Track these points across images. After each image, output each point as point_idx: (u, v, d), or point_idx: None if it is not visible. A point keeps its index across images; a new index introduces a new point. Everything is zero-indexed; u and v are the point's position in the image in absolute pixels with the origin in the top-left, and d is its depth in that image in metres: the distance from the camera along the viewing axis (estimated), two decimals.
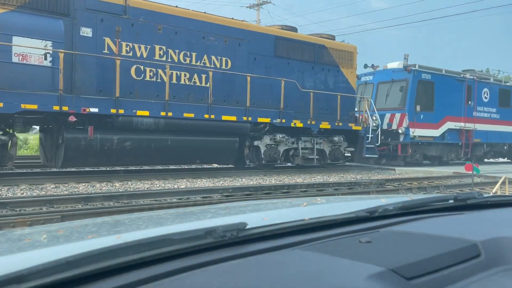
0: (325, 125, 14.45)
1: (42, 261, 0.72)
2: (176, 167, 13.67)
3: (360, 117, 15.99)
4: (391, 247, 0.99)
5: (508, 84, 22.00)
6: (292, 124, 13.72)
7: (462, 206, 1.46)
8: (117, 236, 1.01)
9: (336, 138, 15.00)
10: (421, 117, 17.29)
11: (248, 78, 12.67)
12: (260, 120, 13.14)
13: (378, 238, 1.07)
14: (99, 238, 1.11)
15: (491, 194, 3.15)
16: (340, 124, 14.90)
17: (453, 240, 1.05)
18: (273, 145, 13.74)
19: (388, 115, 17.38)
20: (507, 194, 9.03)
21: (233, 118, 12.43)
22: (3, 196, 7.89)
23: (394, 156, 17.56)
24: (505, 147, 21.64)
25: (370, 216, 1.25)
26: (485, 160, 21.17)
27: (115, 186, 9.83)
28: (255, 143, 13.47)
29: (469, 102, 19.20)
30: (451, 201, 1.46)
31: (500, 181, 9.39)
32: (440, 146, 18.48)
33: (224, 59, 12.60)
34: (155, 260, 0.82)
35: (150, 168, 13.45)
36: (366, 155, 15.72)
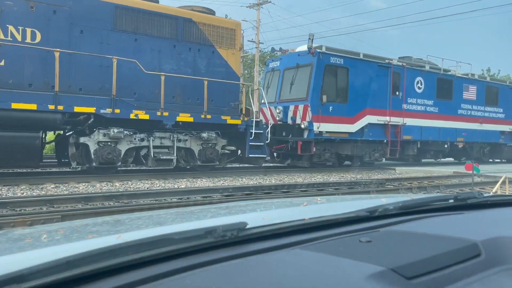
0: (184, 117, 11.68)
1: (43, 260, 0.72)
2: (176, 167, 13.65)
3: (249, 109, 13.41)
4: (391, 246, 0.99)
5: (450, 73, 18.67)
6: (132, 116, 10.94)
7: (462, 205, 1.46)
8: (117, 236, 1.01)
9: (205, 135, 12.27)
10: (330, 109, 14.56)
11: (57, 55, 9.75)
12: (78, 109, 10.24)
13: (378, 237, 1.07)
14: (99, 238, 1.11)
15: (491, 193, 3.15)
16: (208, 116, 12.04)
17: (453, 239, 1.05)
18: (109, 143, 10.93)
19: (292, 107, 14.75)
20: (507, 193, 9.03)
21: (32, 106, 9.62)
22: (3, 196, 7.89)
23: (299, 156, 14.91)
24: (446, 146, 18.58)
25: (370, 215, 1.25)
26: (423, 160, 18.82)
27: (115, 186, 9.84)
28: (82, 140, 10.69)
29: (397, 93, 16.39)
30: (451, 200, 1.46)
31: (500, 180, 9.39)
32: (358, 144, 15.60)
33: (29, 30, 9.82)
34: (155, 260, 0.82)
35: (151, 168, 13.44)
36: (250, 155, 13.06)
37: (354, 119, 15.22)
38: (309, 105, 14.22)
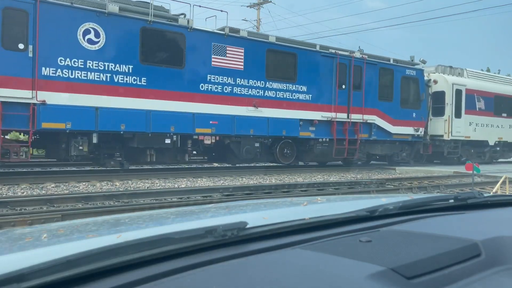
0: None
1: (43, 260, 0.72)
2: (176, 166, 13.65)
3: None
4: (391, 246, 0.99)
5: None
6: None
7: (463, 205, 1.46)
8: (117, 235, 1.01)
9: None
10: None
11: None
12: None
13: (378, 237, 1.07)
14: (99, 237, 1.11)
15: (491, 193, 3.15)
16: None
17: (454, 239, 1.05)
18: None
19: None
20: (507, 193, 9.02)
21: None
22: (4, 195, 7.89)
23: None
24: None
25: (371, 215, 1.25)
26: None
27: (116, 185, 9.84)
28: None
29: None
30: (452, 200, 1.46)
31: (501, 180, 9.39)
32: None
33: None
34: (155, 259, 0.82)
35: (151, 167, 13.44)
36: None
37: None
38: None
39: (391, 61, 16.75)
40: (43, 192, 8.62)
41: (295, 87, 13.88)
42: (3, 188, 8.63)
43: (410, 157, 17.68)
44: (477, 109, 18.96)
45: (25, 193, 8.39)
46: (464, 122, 18.31)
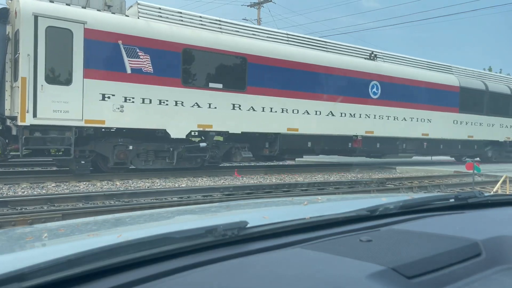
0: None
1: (43, 259, 0.72)
2: (176, 166, 13.64)
3: None
4: (391, 246, 0.99)
5: None
6: None
7: (463, 205, 1.46)
8: (118, 235, 1.01)
9: None
10: None
11: None
12: None
13: (378, 237, 1.07)
14: (100, 236, 1.11)
15: (492, 193, 3.15)
16: None
17: (454, 239, 1.05)
18: None
19: None
20: (508, 193, 9.02)
21: None
22: (4, 195, 7.90)
23: None
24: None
25: (371, 215, 1.25)
26: None
27: (116, 184, 9.84)
28: None
29: None
30: (452, 200, 1.46)
31: (501, 180, 9.38)
32: None
33: None
34: (156, 259, 0.82)
35: (151, 167, 13.42)
36: None
37: None
38: None
39: None
40: (44, 191, 8.63)
41: None
42: (3, 188, 8.64)
43: None
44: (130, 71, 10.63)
45: (25, 192, 8.39)
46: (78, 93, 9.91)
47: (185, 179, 11.19)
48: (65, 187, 9.22)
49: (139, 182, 10.29)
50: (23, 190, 8.58)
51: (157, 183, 10.30)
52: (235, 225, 0.95)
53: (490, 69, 47.38)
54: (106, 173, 10.96)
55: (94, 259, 0.75)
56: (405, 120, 16.35)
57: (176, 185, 10.15)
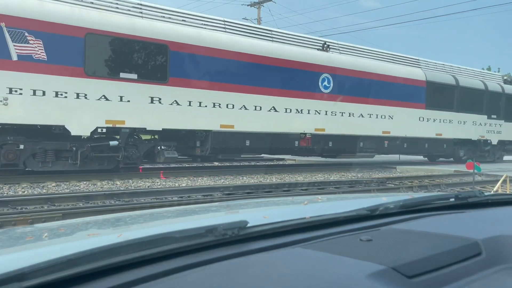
0: None
1: (44, 259, 0.72)
2: (177, 166, 13.66)
3: None
4: (392, 245, 0.99)
5: None
6: None
7: (463, 204, 1.46)
8: (118, 234, 1.01)
9: None
10: None
11: None
12: None
13: (379, 236, 1.07)
14: (100, 236, 1.11)
15: (492, 192, 3.15)
16: None
17: (454, 238, 1.05)
18: None
19: None
20: (508, 192, 9.02)
21: None
22: (5, 194, 7.90)
23: None
24: None
25: (371, 214, 1.25)
26: None
27: (116, 184, 9.84)
28: None
29: None
30: (452, 199, 1.46)
31: (501, 179, 9.38)
32: None
33: None
34: (156, 258, 0.82)
35: (151, 166, 13.44)
36: None
37: None
38: None
39: None
40: (44, 191, 8.63)
41: None
42: (3, 187, 8.64)
43: None
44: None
45: (25, 192, 8.39)
46: None
47: (185, 178, 11.20)
48: (65, 187, 9.23)
49: (139, 181, 10.30)
50: (23, 190, 8.58)
51: (157, 182, 10.31)
52: (235, 224, 0.95)
53: (489, 69, 47.38)
54: (106, 172, 10.96)
55: (94, 258, 0.75)
56: (362, 116, 14.94)
57: (177, 184, 10.15)
